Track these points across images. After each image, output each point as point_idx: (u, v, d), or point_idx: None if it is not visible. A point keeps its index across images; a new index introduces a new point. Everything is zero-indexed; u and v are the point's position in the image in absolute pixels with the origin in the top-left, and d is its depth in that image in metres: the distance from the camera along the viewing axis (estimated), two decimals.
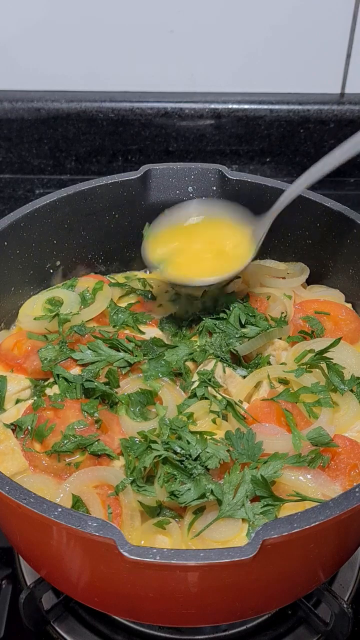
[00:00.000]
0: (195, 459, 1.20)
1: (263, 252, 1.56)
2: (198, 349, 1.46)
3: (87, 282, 1.62)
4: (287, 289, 1.58)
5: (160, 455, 1.20)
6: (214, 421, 1.30)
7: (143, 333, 1.52)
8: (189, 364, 1.44)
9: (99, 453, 1.26)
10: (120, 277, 1.70)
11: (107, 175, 1.60)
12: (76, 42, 2.20)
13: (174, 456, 1.20)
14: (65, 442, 1.25)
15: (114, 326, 1.53)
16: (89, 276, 1.66)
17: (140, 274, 1.72)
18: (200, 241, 1.52)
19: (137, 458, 1.23)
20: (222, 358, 1.44)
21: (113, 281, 1.66)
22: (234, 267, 1.47)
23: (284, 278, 1.62)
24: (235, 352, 1.44)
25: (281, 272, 1.63)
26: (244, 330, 1.46)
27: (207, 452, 1.21)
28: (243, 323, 1.48)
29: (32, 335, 1.48)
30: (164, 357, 1.42)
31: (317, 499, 1.18)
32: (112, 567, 1.02)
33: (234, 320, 1.48)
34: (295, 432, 1.27)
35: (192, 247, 1.51)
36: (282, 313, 1.53)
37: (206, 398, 1.34)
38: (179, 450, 1.21)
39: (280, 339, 1.49)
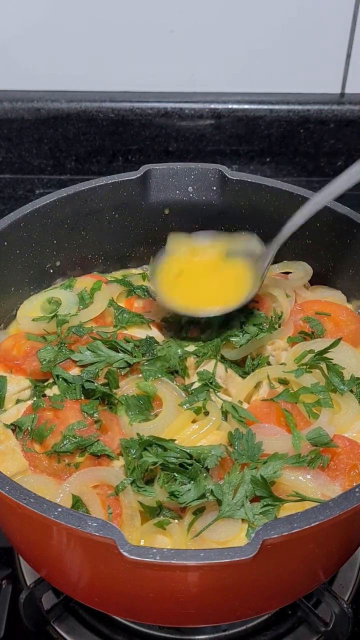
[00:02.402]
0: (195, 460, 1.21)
1: None
2: (197, 349, 1.47)
3: (84, 282, 1.62)
4: (289, 289, 1.58)
5: (156, 462, 1.20)
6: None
7: (150, 329, 1.52)
8: (187, 362, 1.44)
9: (99, 454, 1.26)
10: (118, 275, 1.70)
11: (107, 175, 1.60)
12: (76, 42, 2.20)
13: (174, 460, 1.20)
14: (65, 442, 1.25)
15: (115, 326, 1.53)
16: (86, 276, 1.66)
17: (138, 271, 1.72)
18: (204, 273, 1.53)
19: (137, 459, 1.24)
20: (222, 358, 1.45)
21: (111, 279, 1.66)
22: (237, 298, 1.46)
23: (286, 278, 1.62)
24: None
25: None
26: (234, 339, 1.45)
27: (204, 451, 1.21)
28: (242, 325, 1.48)
29: (31, 336, 1.48)
30: (160, 356, 1.42)
31: (317, 499, 1.18)
32: (112, 567, 1.02)
33: (235, 324, 1.49)
34: (294, 432, 1.27)
35: (196, 278, 1.52)
36: (275, 315, 1.52)
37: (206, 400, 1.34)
38: (174, 460, 1.21)
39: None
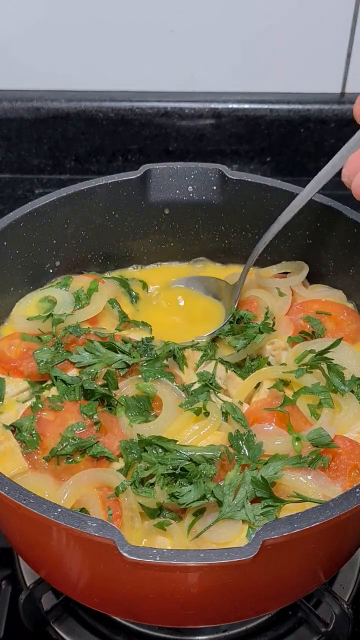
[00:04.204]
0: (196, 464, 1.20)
1: (263, 252, 1.55)
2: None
3: (81, 281, 1.61)
4: (285, 287, 1.58)
5: (153, 473, 1.20)
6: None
7: (150, 334, 1.53)
8: (186, 352, 1.44)
9: (98, 456, 1.25)
10: (115, 275, 1.70)
11: (107, 175, 1.60)
12: (76, 41, 2.20)
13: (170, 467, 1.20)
14: (65, 444, 1.25)
15: (116, 329, 1.53)
16: (83, 275, 1.65)
17: (136, 272, 1.72)
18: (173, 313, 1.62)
19: (137, 460, 1.24)
20: (222, 359, 1.44)
21: (109, 277, 1.65)
22: (207, 330, 1.52)
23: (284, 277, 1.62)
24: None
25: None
26: (231, 342, 1.45)
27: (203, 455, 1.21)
28: (230, 327, 1.49)
29: (26, 336, 1.47)
30: (160, 356, 1.42)
31: (318, 500, 1.17)
32: (112, 567, 1.02)
33: (226, 326, 1.49)
34: (294, 433, 1.27)
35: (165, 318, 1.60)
36: (266, 314, 1.51)
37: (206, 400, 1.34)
38: (174, 464, 1.20)
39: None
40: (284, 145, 2.33)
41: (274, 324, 1.50)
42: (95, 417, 1.30)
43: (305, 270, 1.61)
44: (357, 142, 1.28)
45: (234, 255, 1.72)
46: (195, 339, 1.49)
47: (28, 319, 1.50)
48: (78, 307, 1.54)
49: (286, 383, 1.39)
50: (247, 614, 1.22)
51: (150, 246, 1.72)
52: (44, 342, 1.46)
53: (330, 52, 2.22)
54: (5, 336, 1.51)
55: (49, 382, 1.40)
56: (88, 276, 1.64)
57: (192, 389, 1.39)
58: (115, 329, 1.53)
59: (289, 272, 1.64)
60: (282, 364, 1.45)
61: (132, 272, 1.72)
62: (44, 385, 1.41)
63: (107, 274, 1.70)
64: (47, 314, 1.50)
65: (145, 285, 1.67)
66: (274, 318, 1.52)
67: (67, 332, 1.46)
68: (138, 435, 1.27)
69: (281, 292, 1.56)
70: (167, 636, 1.34)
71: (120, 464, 1.26)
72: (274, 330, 1.48)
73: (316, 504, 1.11)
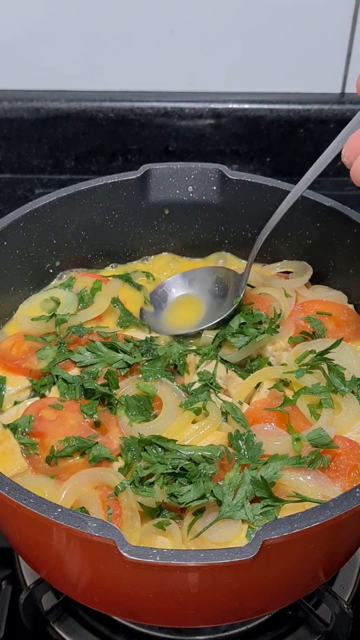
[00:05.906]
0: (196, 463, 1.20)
1: (263, 252, 1.55)
2: (198, 349, 1.47)
3: (84, 281, 1.61)
4: (290, 289, 1.58)
5: (152, 473, 1.20)
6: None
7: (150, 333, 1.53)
8: (188, 359, 1.44)
9: (98, 459, 1.25)
10: (119, 270, 1.70)
11: (106, 175, 1.60)
12: (76, 41, 2.20)
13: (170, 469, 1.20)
14: (65, 445, 1.25)
15: (118, 324, 1.53)
16: (86, 275, 1.66)
17: (139, 265, 1.72)
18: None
19: (136, 460, 1.24)
20: (222, 359, 1.44)
21: (112, 277, 1.65)
22: (216, 316, 1.52)
23: (287, 277, 1.62)
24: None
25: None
26: (232, 340, 1.45)
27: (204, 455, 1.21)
28: (240, 327, 1.48)
29: (30, 336, 1.48)
30: (161, 355, 1.42)
31: (317, 500, 1.17)
32: (112, 567, 1.02)
33: (234, 324, 1.49)
34: (294, 433, 1.27)
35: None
36: (275, 314, 1.51)
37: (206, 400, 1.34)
38: (174, 463, 1.20)
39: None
40: (283, 145, 2.33)
41: (278, 325, 1.50)
42: (95, 416, 1.30)
43: (310, 272, 1.61)
44: (357, 124, 1.22)
45: (234, 255, 1.72)
46: (205, 328, 1.50)
47: (32, 319, 1.50)
48: (81, 306, 1.54)
49: (286, 383, 1.39)
50: (247, 614, 1.22)
51: (150, 246, 1.72)
52: (48, 342, 1.46)
53: (330, 52, 2.22)
54: (10, 335, 1.51)
55: (50, 380, 1.40)
56: (91, 275, 1.64)
57: (192, 388, 1.39)
58: (118, 325, 1.53)
59: (291, 272, 1.64)
60: (282, 364, 1.45)
61: (135, 265, 1.72)
62: (45, 384, 1.41)
63: (111, 267, 1.70)
64: (51, 314, 1.50)
65: (149, 275, 1.67)
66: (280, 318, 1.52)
67: (69, 331, 1.46)
68: (138, 434, 1.27)
69: (287, 293, 1.56)
70: (167, 636, 1.35)
71: (120, 463, 1.26)
72: (278, 332, 1.48)
73: (316, 504, 1.11)
